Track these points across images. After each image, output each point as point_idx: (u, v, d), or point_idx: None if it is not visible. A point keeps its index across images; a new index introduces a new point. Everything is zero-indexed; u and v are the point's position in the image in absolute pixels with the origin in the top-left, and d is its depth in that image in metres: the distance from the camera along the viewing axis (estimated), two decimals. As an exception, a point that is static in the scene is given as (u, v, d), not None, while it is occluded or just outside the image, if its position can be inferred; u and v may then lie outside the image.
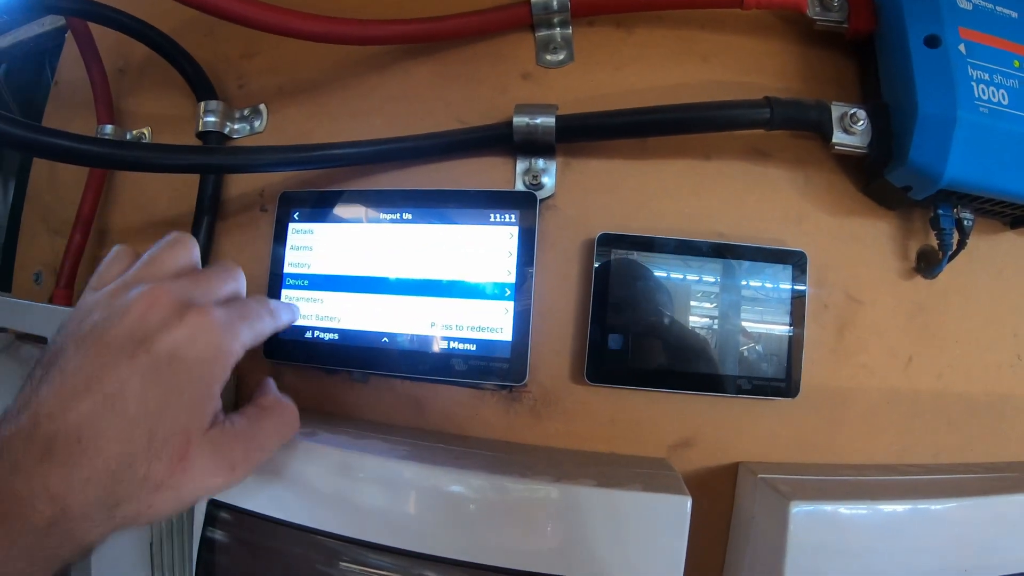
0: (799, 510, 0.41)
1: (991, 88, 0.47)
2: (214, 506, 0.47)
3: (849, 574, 0.42)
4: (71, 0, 0.61)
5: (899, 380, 0.53)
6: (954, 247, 0.50)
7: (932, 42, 0.47)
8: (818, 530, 0.41)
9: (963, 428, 0.54)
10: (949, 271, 0.52)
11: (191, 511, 0.49)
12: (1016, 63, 0.48)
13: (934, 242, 0.51)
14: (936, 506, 0.43)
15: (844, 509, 0.42)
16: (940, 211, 0.50)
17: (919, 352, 0.53)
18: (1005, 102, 0.46)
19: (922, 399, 0.53)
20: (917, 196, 0.49)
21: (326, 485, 0.45)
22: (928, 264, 0.53)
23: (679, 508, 0.40)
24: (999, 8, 0.49)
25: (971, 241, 0.51)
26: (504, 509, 0.42)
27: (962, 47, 0.47)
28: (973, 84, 0.46)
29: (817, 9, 0.52)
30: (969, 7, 0.49)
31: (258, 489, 0.46)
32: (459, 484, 0.43)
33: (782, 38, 0.56)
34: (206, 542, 0.48)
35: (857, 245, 0.53)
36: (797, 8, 0.51)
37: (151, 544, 0.53)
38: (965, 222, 0.51)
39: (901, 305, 0.53)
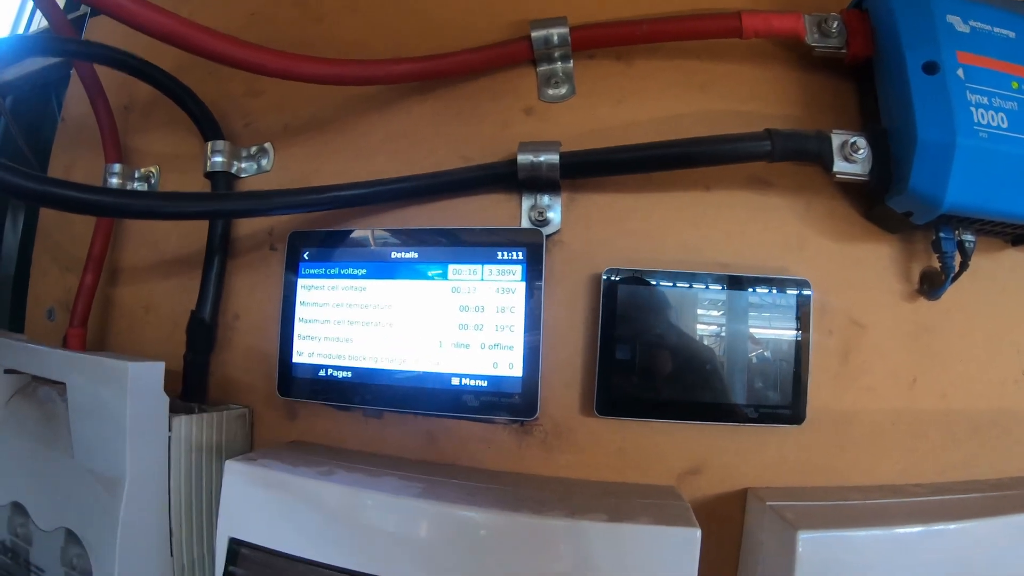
0: (807, 537, 0.42)
1: (990, 112, 0.47)
2: (236, 543, 0.49)
3: None
4: (74, 43, 0.62)
5: (903, 401, 0.53)
6: (956, 269, 0.51)
7: (930, 68, 0.47)
8: (826, 556, 0.42)
9: (968, 445, 0.54)
10: (951, 290, 0.52)
11: (212, 548, 0.50)
12: (1015, 84, 0.48)
13: (936, 264, 0.52)
14: (942, 527, 0.44)
15: (851, 535, 0.43)
16: (942, 234, 0.50)
17: (923, 372, 0.54)
18: (1004, 125, 0.47)
19: (927, 419, 0.53)
20: (918, 221, 0.49)
21: (344, 523, 0.47)
22: (931, 286, 0.53)
23: (689, 540, 0.42)
24: (996, 29, 0.50)
25: (973, 260, 0.51)
26: (519, 544, 0.44)
27: (960, 72, 0.47)
28: (972, 109, 0.46)
29: (816, 36, 0.52)
30: (967, 30, 0.49)
31: (279, 527, 0.48)
32: (474, 521, 0.44)
33: (781, 65, 0.56)
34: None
35: (860, 269, 0.54)
36: (795, 35, 0.52)
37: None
38: (967, 244, 0.51)
39: (904, 327, 0.54)
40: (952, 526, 0.44)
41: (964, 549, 0.45)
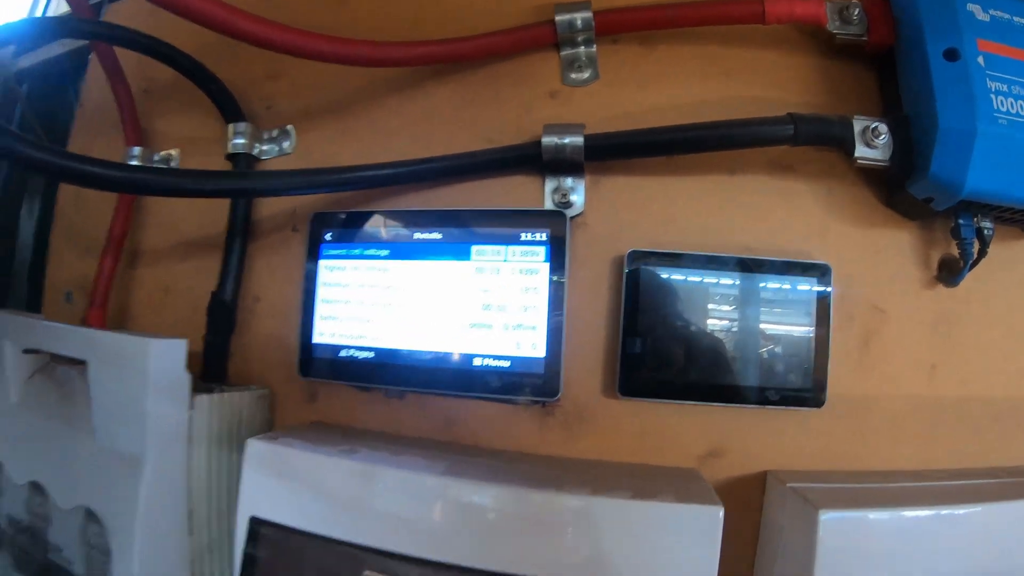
0: (828, 517, 0.42)
1: (1010, 99, 0.47)
2: (256, 522, 0.49)
3: None
4: (100, 26, 0.63)
5: (923, 388, 0.54)
6: (975, 256, 0.51)
7: (951, 55, 0.48)
8: (846, 537, 0.43)
9: (986, 434, 0.54)
10: (971, 279, 0.52)
11: (232, 528, 0.50)
12: None
13: (955, 251, 0.52)
14: (961, 511, 0.44)
15: (871, 516, 0.43)
16: (961, 221, 0.51)
17: (942, 360, 0.54)
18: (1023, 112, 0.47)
19: (946, 406, 0.54)
20: (939, 207, 0.50)
21: (366, 502, 0.47)
22: (950, 273, 0.54)
23: (712, 517, 0.42)
24: (1016, 18, 0.50)
25: (992, 249, 0.51)
26: (540, 523, 0.44)
27: (981, 59, 0.48)
28: (992, 96, 0.47)
29: (837, 23, 0.53)
30: (987, 19, 0.49)
31: (300, 506, 0.48)
32: (495, 499, 0.45)
33: (803, 52, 0.57)
34: (248, 557, 0.49)
35: (880, 256, 0.54)
36: (817, 22, 0.52)
37: (192, 561, 0.54)
38: (985, 231, 0.51)
39: (924, 314, 0.54)
40: (972, 509, 0.45)
41: (984, 532, 0.45)
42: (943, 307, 0.54)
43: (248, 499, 0.50)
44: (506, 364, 0.53)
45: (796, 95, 0.56)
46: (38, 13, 1.40)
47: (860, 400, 0.53)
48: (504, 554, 0.44)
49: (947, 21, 0.49)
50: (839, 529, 0.42)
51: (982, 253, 0.51)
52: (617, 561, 0.42)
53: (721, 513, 0.42)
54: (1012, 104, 0.47)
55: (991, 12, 0.50)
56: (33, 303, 0.90)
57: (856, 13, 0.52)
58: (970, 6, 0.50)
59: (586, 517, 0.43)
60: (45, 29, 0.65)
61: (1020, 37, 0.49)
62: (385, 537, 0.46)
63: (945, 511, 0.44)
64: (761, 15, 0.51)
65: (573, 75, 0.57)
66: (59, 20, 0.64)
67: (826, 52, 0.56)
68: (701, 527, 0.42)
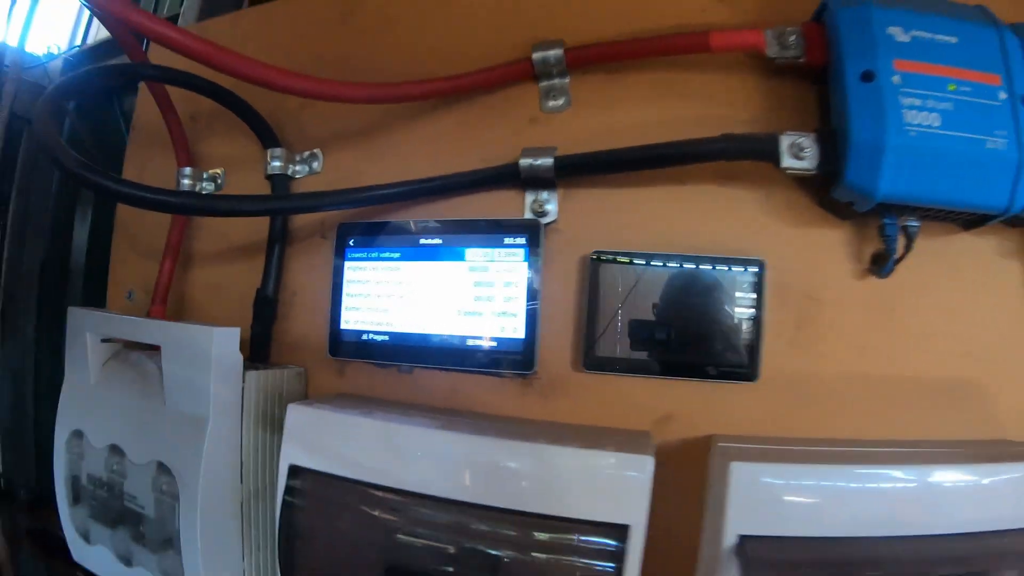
0: (738, 466, 0.50)
1: (923, 113, 0.53)
2: (294, 469, 0.62)
3: (784, 526, 0.51)
4: (152, 68, 0.74)
5: (854, 366, 0.60)
6: (899, 251, 0.58)
7: (867, 77, 0.54)
8: (755, 486, 0.51)
9: (917, 409, 0.60)
10: (905, 270, 0.59)
11: (275, 474, 0.63)
12: (951, 86, 0.53)
13: (885, 247, 0.59)
14: (861, 470, 0.51)
15: (778, 467, 0.51)
16: (885, 221, 0.57)
17: (873, 343, 0.60)
18: (937, 124, 0.52)
19: (876, 383, 0.60)
20: (860, 209, 0.57)
21: (380, 450, 0.59)
22: (880, 266, 0.60)
23: (643, 465, 0.52)
24: (938, 36, 0.55)
25: (927, 242, 0.58)
26: (512, 464, 0.55)
27: (896, 78, 0.53)
28: (904, 111, 0.53)
29: (776, 48, 0.59)
30: (907, 39, 0.55)
31: (328, 455, 0.61)
32: (479, 447, 0.56)
33: (750, 73, 0.64)
34: (288, 495, 0.62)
35: (815, 251, 0.62)
36: (757, 49, 0.59)
37: (242, 504, 0.68)
38: (910, 229, 0.58)
39: (856, 302, 0.61)
40: (871, 469, 0.52)
41: (894, 489, 0.52)
42: (874, 296, 0.61)
43: (288, 450, 0.63)
44: (493, 344, 0.64)
45: (744, 112, 0.63)
46: (79, 32, 1.59)
47: (795, 376, 0.61)
48: (483, 490, 0.55)
49: (865, 45, 0.54)
50: (749, 478, 0.50)
51: (908, 248, 0.57)
52: (569, 498, 0.53)
53: (651, 461, 0.52)
54: (925, 117, 0.53)
55: (912, 33, 0.54)
56: (89, 302, 1.04)
57: (792, 39, 0.58)
58: (890, 29, 0.54)
59: (545, 461, 0.54)
60: (110, 74, 0.78)
61: (940, 53, 0.54)
62: (395, 478, 0.58)
63: (855, 468, 0.52)
64: (707, 46, 0.59)
65: (550, 103, 0.67)
66: (122, 67, 0.76)
67: (771, 73, 0.63)
68: (634, 473, 0.52)
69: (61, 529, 1.22)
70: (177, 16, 1.24)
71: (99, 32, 1.56)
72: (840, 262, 0.62)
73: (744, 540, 0.50)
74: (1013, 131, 0.53)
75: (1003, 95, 0.54)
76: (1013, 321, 0.60)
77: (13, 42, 1.49)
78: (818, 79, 0.62)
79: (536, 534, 0.54)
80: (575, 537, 0.53)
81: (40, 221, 1.53)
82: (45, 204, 1.53)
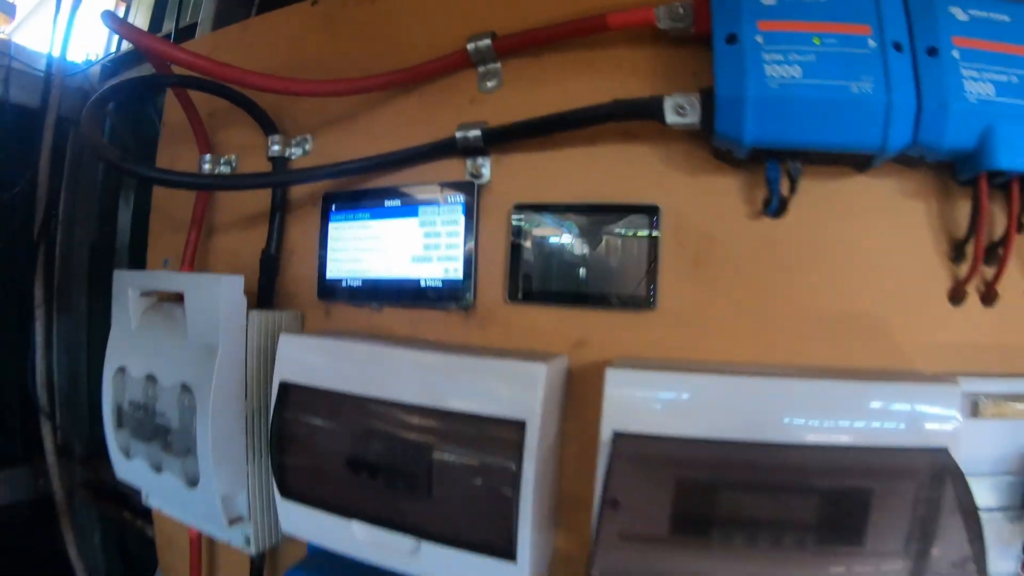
0: (612, 371, 0.60)
1: (784, 66, 0.58)
2: (284, 384, 0.77)
3: (653, 425, 0.59)
4: (177, 79, 0.92)
5: (750, 299, 0.68)
6: (783, 192, 0.64)
7: (731, 39, 0.60)
8: (627, 389, 0.60)
9: (815, 340, 0.67)
10: (798, 211, 0.66)
11: (270, 392, 0.79)
12: (816, 40, 0.59)
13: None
14: (724, 379, 0.59)
15: (646, 374, 0.61)
16: (768, 164, 0.64)
17: (768, 276, 0.68)
18: (798, 75, 0.58)
19: (771, 314, 0.68)
20: (739, 156, 0.64)
21: (354, 366, 0.74)
22: (769, 207, 0.67)
23: (536, 371, 0.64)
24: None
25: (821, 184, 0.65)
26: (449, 372, 0.68)
27: (759, 38, 0.59)
28: (765, 66, 0.58)
29: (667, 21, 0.66)
30: (773, 2, 0.60)
31: (312, 372, 0.75)
32: (427, 360, 0.70)
33: (654, 45, 0.72)
34: (278, 405, 0.77)
35: (712, 197, 0.69)
36: (650, 23, 0.67)
37: (246, 417, 0.84)
38: (792, 172, 0.63)
39: (751, 241, 0.68)
40: (749, 379, 0.59)
41: (757, 397, 0.59)
42: (767, 235, 0.68)
43: (280, 369, 0.77)
44: (439, 284, 0.79)
45: (648, 81, 0.71)
46: (114, 43, 1.77)
47: (692, 306, 0.69)
48: (419, 393, 0.69)
49: (730, 11, 0.61)
50: (620, 382, 0.60)
51: (793, 189, 0.64)
52: (482, 399, 0.66)
53: (543, 368, 0.63)
54: (787, 70, 0.58)
55: (778, -5, 0.60)
56: (138, 267, 1.22)
57: (681, 11, 0.65)
58: (758, -4, 0.60)
59: (465, 370, 0.68)
60: (143, 84, 0.98)
61: (808, 10, 0.60)
62: (363, 386, 0.72)
63: (713, 377, 0.59)
64: (606, 25, 0.68)
65: (488, 83, 0.80)
66: (150, 78, 0.94)
67: (672, 43, 0.69)
68: (528, 378, 0.64)
69: (110, 479, 1.46)
70: (196, 24, 1.43)
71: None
72: (735, 205, 0.69)
73: (616, 436, 0.60)
74: (882, 76, 0.58)
75: (872, 43, 0.59)
76: (916, 258, 0.66)
77: (55, 51, 1.67)
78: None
79: (458, 427, 0.67)
80: (488, 430, 0.66)
81: (88, 208, 1.76)
82: (92, 193, 1.76)
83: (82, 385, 1.78)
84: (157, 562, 1.32)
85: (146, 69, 1.50)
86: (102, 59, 1.76)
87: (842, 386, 0.58)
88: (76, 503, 1.71)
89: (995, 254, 0.63)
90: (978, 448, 0.61)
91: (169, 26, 1.63)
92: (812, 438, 0.58)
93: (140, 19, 1.80)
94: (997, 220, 0.63)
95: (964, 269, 0.65)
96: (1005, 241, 0.62)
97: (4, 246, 1.60)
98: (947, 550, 0.54)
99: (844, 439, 0.57)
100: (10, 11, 1.85)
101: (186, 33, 1.52)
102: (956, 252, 0.65)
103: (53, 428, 1.66)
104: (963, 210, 0.65)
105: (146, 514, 1.49)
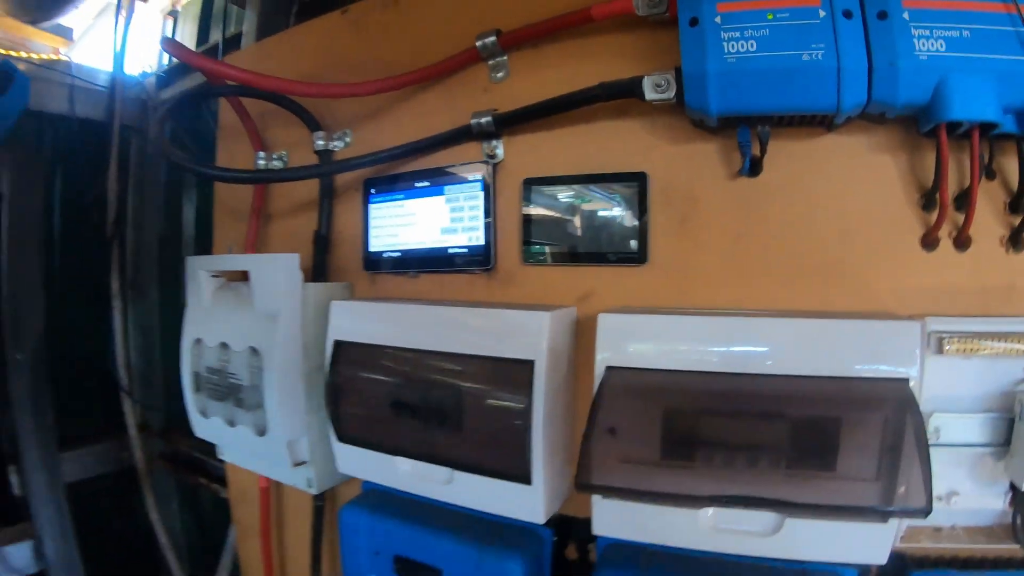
0: (603, 316, 0.72)
1: (740, 42, 0.65)
2: (337, 342, 0.91)
3: (641, 359, 0.69)
4: (229, 88, 1.06)
5: (731, 251, 0.77)
6: (753, 154, 0.71)
7: (693, 22, 0.67)
8: (617, 330, 0.71)
9: (794, 287, 0.74)
10: (774, 170, 0.74)
11: (325, 351, 0.92)
12: (770, 15, 0.64)
13: (756, 152, 0.72)
14: (703, 319, 0.69)
15: (635, 316, 0.71)
16: (739, 129, 0.72)
17: (746, 231, 0.76)
18: (753, 49, 0.64)
19: (751, 264, 0.76)
20: (711, 124, 0.72)
21: (395, 323, 0.88)
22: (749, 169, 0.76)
23: (542, 319, 0.76)
24: None
25: (793, 145, 0.73)
26: (474, 323, 0.81)
27: (718, 19, 0.65)
28: (724, 43, 0.65)
29: (644, 8, 0.73)
30: None
31: (360, 330, 0.89)
32: (455, 313, 0.83)
33: (637, 30, 0.79)
34: (333, 360, 0.92)
35: (693, 162, 0.78)
36: (629, 11, 0.74)
37: (304, 375, 0.98)
38: (761, 135, 0.70)
39: (730, 199, 0.76)
40: (728, 319, 0.67)
41: (736, 334, 0.67)
42: (746, 193, 0.75)
43: (333, 331, 0.92)
44: (465, 250, 0.92)
45: (636, 64, 0.78)
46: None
47: (681, 260, 0.79)
48: (448, 341, 0.82)
49: None
50: (611, 324, 0.71)
51: (763, 151, 0.71)
52: (499, 343, 0.78)
53: (548, 316, 0.75)
54: (743, 45, 0.65)
55: (735, -18, 0.65)
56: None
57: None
58: (716, -20, 0.65)
59: (484, 319, 0.81)
60: (202, 93, 1.12)
61: None
62: (403, 339, 0.86)
63: (693, 317, 0.70)
64: (590, 17, 0.77)
65: (498, 75, 0.92)
66: (209, 89, 1.07)
67: (650, 27, 0.76)
68: (536, 324, 0.76)
69: (185, 450, 1.63)
70: (240, 35, 1.58)
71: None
72: (715, 168, 0.77)
73: (608, 369, 0.71)
74: (832, 43, 0.63)
75: (822, 13, 0.63)
76: (887, 208, 0.71)
77: (114, 68, 1.83)
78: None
79: (481, 369, 0.80)
80: (505, 370, 0.78)
81: (154, 207, 1.95)
82: (156, 193, 1.94)
83: (156, 365, 1.98)
84: (229, 520, 1.52)
85: (198, 78, 1.67)
86: (156, 71, 1.95)
87: (811, 323, 0.65)
88: (155, 473, 1.92)
89: (965, 201, 0.67)
90: (963, 387, 0.68)
91: (215, 35, 1.80)
92: (783, 370, 0.65)
93: (188, 30, 1.96)
94: (968, 169, 0.66)
95: (935, 217, 0.68)
96: (971, 188, 0.66)
97: (84, 245, 1.77)
98: (900, 471, 0.61)
99: (813, 371, 0.64)
100: (68, 34, 2.02)
101: (232, 42, 1.68)
102: (926, 201, 0.70)
103: (133, 405, 1.84)
104: (930, 161, 0.69)
105: (219, 479, 1.69)
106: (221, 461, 1.28)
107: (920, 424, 0.60)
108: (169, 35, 2.00)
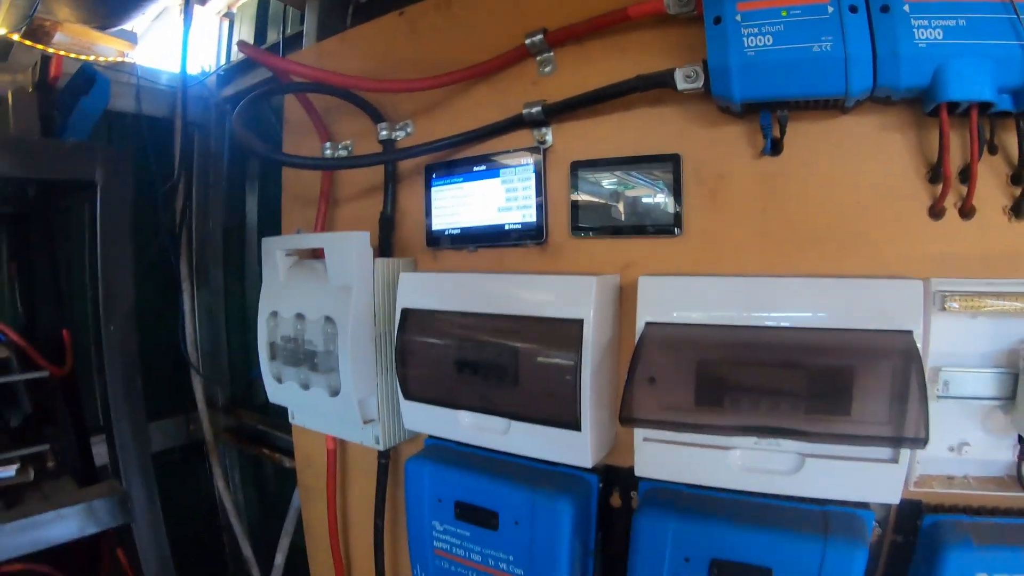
0: (643, 279, 0.83)
1: (759, 37, 0.71)
2: (405, 310, 1.03)
3: (675, 316, 0.80)
4: (298, 84, 1.18)
5: (757, 222, 0.84)
6: (775, 135, 0.79)
7: (717, 21, 0.73)
8: (656, 291, 0.82)
9: (811, 253, 0.80)
10: (794, 149, 0.80)
11: (393, 319, 1.04)
12: (784, 13, 0.70)
13: (776, 134, 0.79)
14: (730, 279, 0.79)
15: (672, 279, 0.83)
16: (761, 114, 0.79)
17: (770, 204, 0.83)
18: (770, 43, 0.71)
19: (776, 233, 0.83)
20: (736, 110, 0.79)
21: (455, 292, 1.00)
22: (772, 149, 0.84)
23: (588, 284, 0.87)
24: None
25: (811, 126, 0.79)
26: (523, 288, 0.93)
27: (739, 17, 0.72)
28: (744, 39, 0.71)
29: (675, 7, 0.80)
30: None
31: (425, 298, 1.01)
32: (510, 279, 0.96)
33: (671, 26, 0.86)
34: (401, 326, 1.03)
35: (721, 144, 0.86)
36: (661, 11, 0.82)
37: (374, 339, 1.10)
38: (781, 119, 0.77)
39: (755, 176, 0.84)
40: (751, 279, 0.77)
41: (760, 292, 0.77)
42: (770, 170, 0.82)
43: (402, 299, 1.04)
44: (519, 226, 1.03)
45: (668, 58, 0.84)
46: (222, 53, 2.06)
47: (713, 232, 0.88)
48: (506, 304, 0.93)
49: None
50: (650, 285, 0.82)
51: (783, 132, 0.78)
52: (551, 306, 0.89)
53: (594, 281, 0.86)
54: (761, 40, 0.71)
55: (755, -17, 0.71)
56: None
57: None
58: (737, -18, 0.71)
59: (536, 286, 0.92)
60: (272, 90, 1.22)
61: None
62: (464, 305, 0.98)
63: (722, 278, 0.79)
64: (627, 16, 0.85)
65: (545, 69, 1.02)
66: (277, 87, 1.16)
67: (682, 24, 0.83)
68: (584, 287, 0.87)
69: (249, 424, 1.72)
70: (298, 35, 1.70)
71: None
72: (741, 148, 0.85)
73: (647, 324, 0.81)
74: (839, 35, 0.68)
75: (831, 9, 0.69)
76: (897, 181, 0.77)
77: (178, 68, 1.93)
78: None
79: (536, 329, 0.91)
80: (557, 328, 0.89)
81: (218, 197, 2.09)
82: (219, 185, 2.09)
83: (222, 346, 2.14)
84: (290, 491, 1.65)
85: (257, 75, 1.81)
86: (215, 70, 2.08)
87: (827, 282, 0.75)
88: (221, 446, 2.06)
89: (968, 174, 0.72)
90: (971, 344, 0.72)
91: (272, 36, 1.92)
92: (802, 323, 0.74)
93: (245, 30, 2.08)
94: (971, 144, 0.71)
95: (940, 189, 0.74)
96: (971, 162, 0.71)
97: (155, 234, 1.91)
98: (904, 409, 0.69)
99: (829, 324, 0.72)
100: (132, 39, 2.13)
101: (290, 42, 1.80)
102: (933, 174, 0.75)
103: (202, 383, 2.00)
104: (935, 138, 0.73)
105: (280, 449, 1.83)
106: (285, 432, 1.39)
107: (920, 371, 0.68)
108: (227, 36, 2.12)
